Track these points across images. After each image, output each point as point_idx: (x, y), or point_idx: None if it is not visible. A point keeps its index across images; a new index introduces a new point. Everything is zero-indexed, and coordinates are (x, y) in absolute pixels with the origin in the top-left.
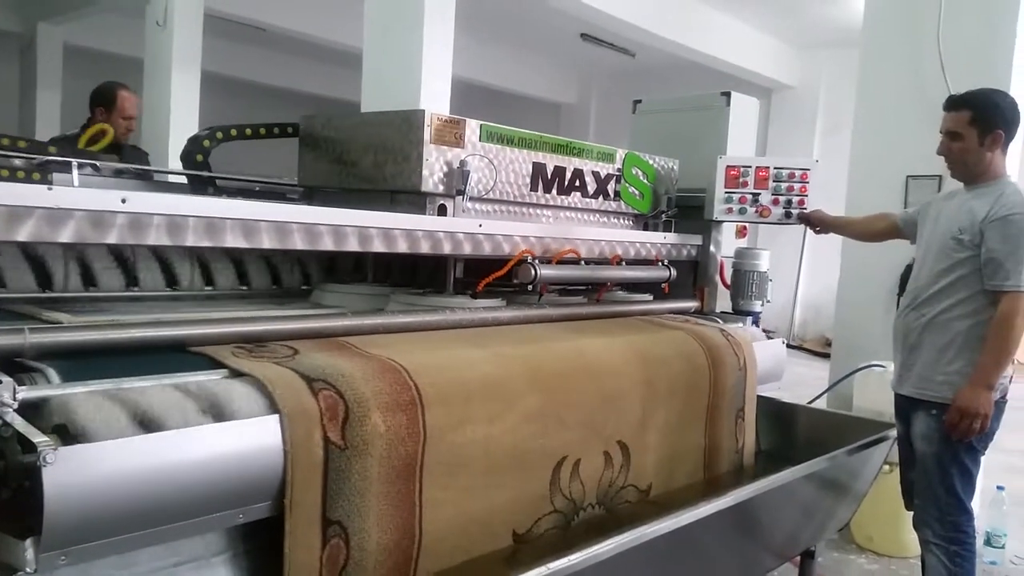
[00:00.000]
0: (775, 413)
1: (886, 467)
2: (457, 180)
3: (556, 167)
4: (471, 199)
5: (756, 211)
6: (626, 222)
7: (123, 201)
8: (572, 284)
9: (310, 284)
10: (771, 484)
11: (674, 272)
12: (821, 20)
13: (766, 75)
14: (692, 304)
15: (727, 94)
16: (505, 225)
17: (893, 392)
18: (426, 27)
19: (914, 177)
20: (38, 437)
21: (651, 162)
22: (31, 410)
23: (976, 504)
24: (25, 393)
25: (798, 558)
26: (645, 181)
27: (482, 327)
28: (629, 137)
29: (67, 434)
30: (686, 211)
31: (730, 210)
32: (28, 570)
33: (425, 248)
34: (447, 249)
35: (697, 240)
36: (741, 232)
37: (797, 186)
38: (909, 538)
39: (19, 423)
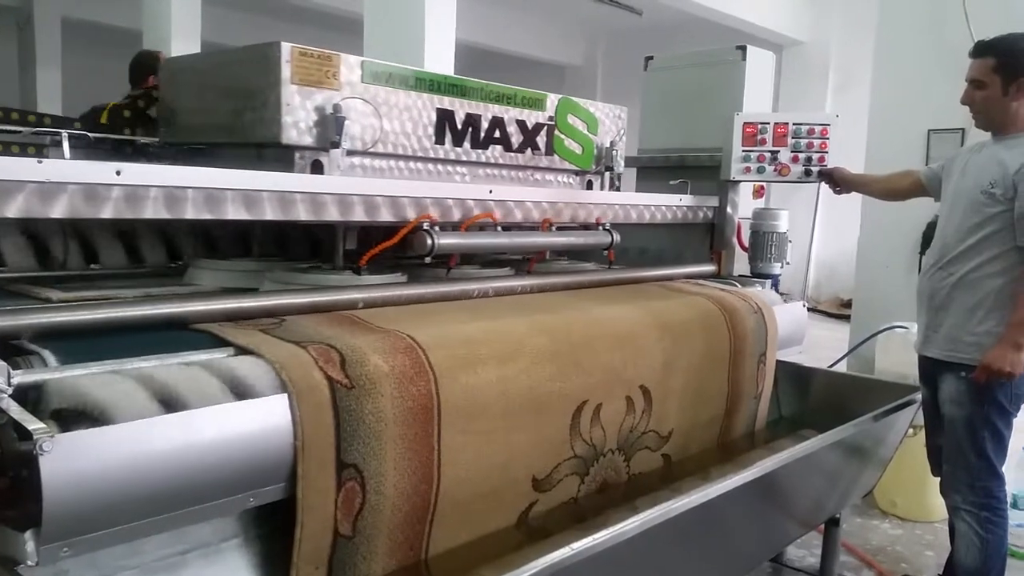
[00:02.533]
0: (796, 377)
1: (910, 431)
2: (331, 129)
3: (469, 115)
4: (352, 153)
5: (775, 169)
6: (564, 180)
7: (118, 173)
8: (492, 253)
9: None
10: (798, 453)
11: (617, 236)
12: None
13: (776, 31)
14: (709, 268)
15: (742, 48)
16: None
17: (917, 354)
18: None
19: (936, 131)
20: (34, 424)
21: (591, 109)
22: (27, 395)
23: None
24: (21, 377)
25: (822, 526)
26: (585, 131)
27: (477, 299)
28: (641, 95)
29: (66, 419)
30: (701, 171)
31: (748, 169)
32: (29, 563)
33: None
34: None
35: (713, 202)
36: (758, 192)
37: (817, 143)
38: (933, 503)
39: (14, 409)
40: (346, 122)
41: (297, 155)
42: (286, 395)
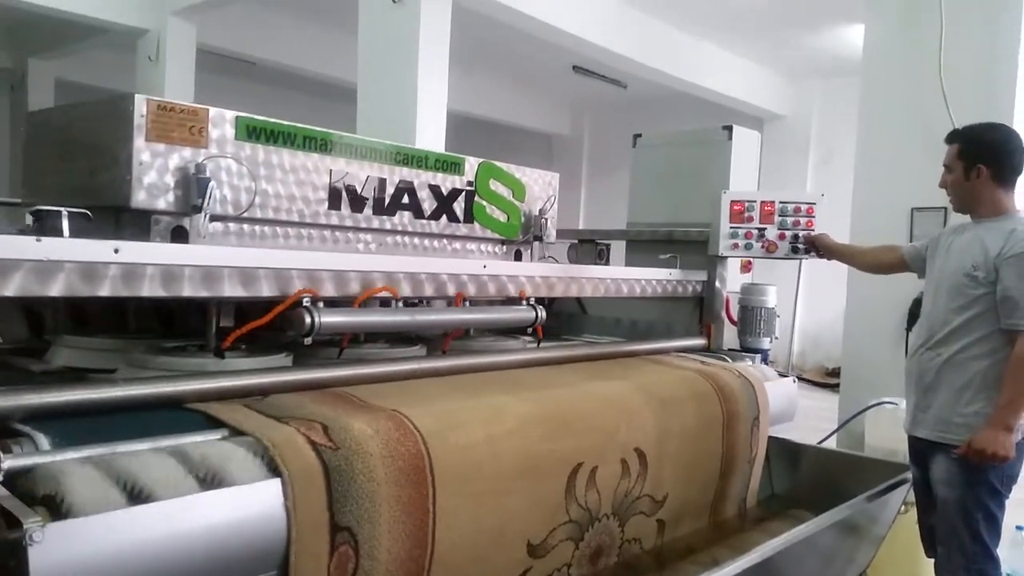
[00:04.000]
0: (787, 453)
1: (902, 508)
2: (192, 192)
3: (371, 179)
4: (219, 219)
5: (762, 246)
6: (487, 249)
7: (116, 251)
8: (391, 331)
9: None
10: (797, 536)
11: (542, 314)
12: (812, 50)
13: (758, 105)
14: (699, 342)
15: (728, 128)
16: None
17: (907, 434)
18: (421, 62)
19: (919, 209)
20: (24, 513)
21: (517, 174)
22: (17, 480)
23: None
24: (11, 461)
25: None
26: (511, 199)
27: (457, 374)
28: (630, 171)
29: (56, 506)
30: (690, 246)
31: (736, 245)
32: None
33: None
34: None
35: (702, 276)
36: (745, 267)
37: (803, 220)
38: None
39: (3, 495)
40: (211, 184)
41: (153, 220)
42: (279, 480)
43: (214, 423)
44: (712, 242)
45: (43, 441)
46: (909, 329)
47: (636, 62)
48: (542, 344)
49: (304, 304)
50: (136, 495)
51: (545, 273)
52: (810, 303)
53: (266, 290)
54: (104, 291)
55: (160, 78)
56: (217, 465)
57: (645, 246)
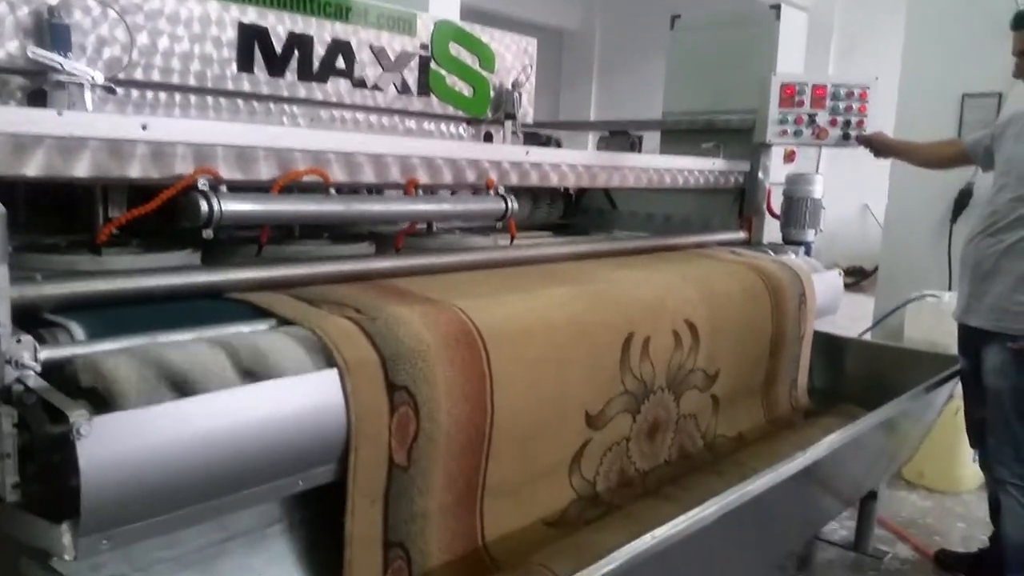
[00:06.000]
0: (830, 347)
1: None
2: (48, 43)
3: (293, 35)
4: (97, 83)
5: (812, 133)
6: (449, 129)
7: (144, 128)
8: (314, 223)
9: None
10: (853, 433)
11: (514, 204)
12: None
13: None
14: (740, 235)
15: (776, 7)
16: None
17: (957, 323)
18: None
19: (971, 96)
20: (69, 405)
21: (485, 39)
22: (55, 372)
23: None
24: (48, 352)
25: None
26: (476, 68)
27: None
28: (666, 56)
29: (98, 399)
30: (730, 135)
31: (784, 132)
32: (67, 557)
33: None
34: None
35: (744, 166)
36: (790, 157)
37: (856, 106)
38: (962, 473)
39: (45, 388)
40: (70, 34)
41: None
42: (335, 370)
43: (256, 312)
44: (759, 129)
45: (78, 331)
46: (954, 220)
47: None
48: (572, 238)
49: (199, 187)
50: (183, 387)
51: (582, 161)
52: (827, 198)
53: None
54: None
55: None
56: (262, 355)
57: (682, 136)
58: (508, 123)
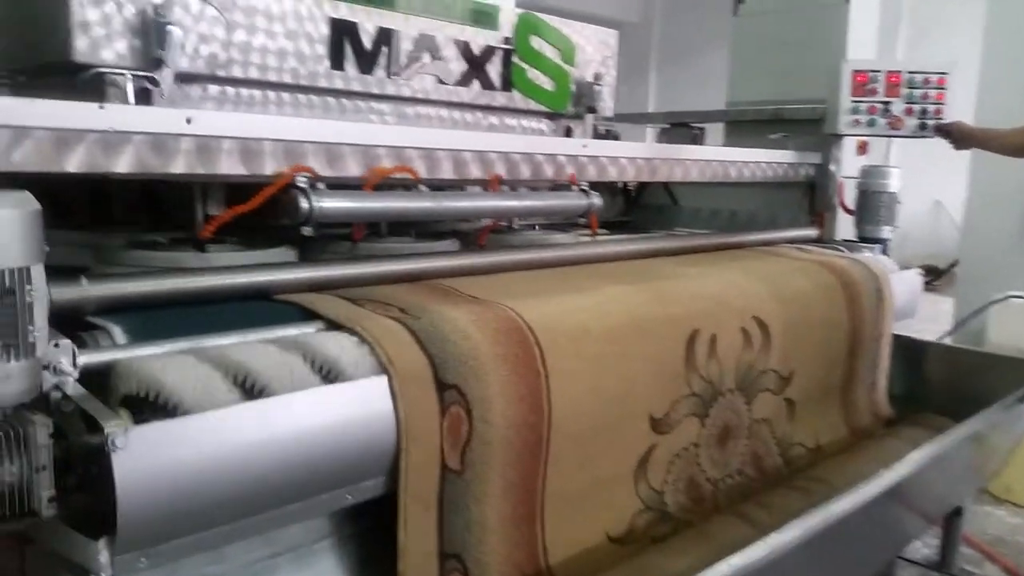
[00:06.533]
0: (908, 352)
1: None
2: (152, 42)
3: (382, 31)
4: (189, 79)
5: (887, 123)
6: (529, 124)
7: (188, 121)
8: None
9: None
10: (938, 449)
11: (597, 200)
12: None
13: None
14: (811, 232)
15: None
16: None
17: None
18: None
19: None
20: (106, 415)
21: (566, 30)
22: (95, 378)
23: None
24: (87, 357)
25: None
26: (558, 61)
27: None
28: (730, 42)
29: (140, 407)
30: (799, 126)
31: (857, 122)
32: (103, 575)
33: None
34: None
35: (815, 158)
36: (861, 148)
37: (933, 93)
38: None
39: (82, 396)
40: (173, 31)
41: (108, 80)
42: (383, 374)
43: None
44: (830, 119)
45: (118, 334)
46: None
47: None
48: (631, 236)
49: (298, 184)
50: (246, 387)
51: (641, 154)
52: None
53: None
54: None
55: None
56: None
57: (747, 128)
58: (589, 117)
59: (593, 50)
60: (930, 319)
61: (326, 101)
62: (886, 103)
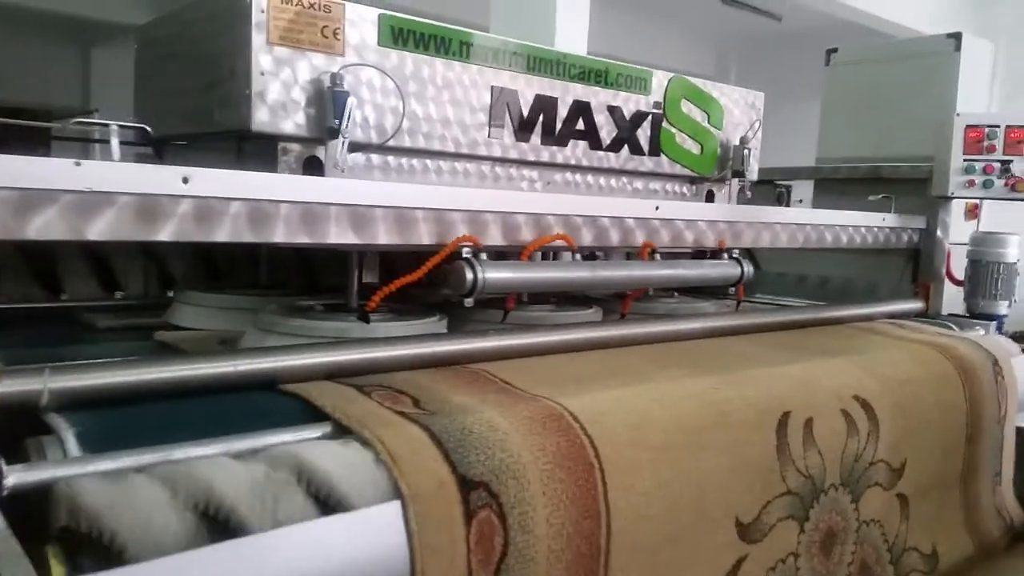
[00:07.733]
0: None
1: None
2: (327, 111)
3: (540, 97)
4: (360, 148)
5: (1006, 184)
6: (674, 189)
7: (184, 181)
8: (563, 291)
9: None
10: None
11: (749, 269)
12: None
13: (934, 34)
14: (916, 305)
15: (956, 36)
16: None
17: None
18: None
19: None
20: (15, 562)
21: (714, 93)
22: (34, 505)
23: None
24: (17, 476)
25: None
26: (705, 124)
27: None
28: (822, 95)
29: (80, 545)
30: (899, 185)
31: (971, 183)
32: None
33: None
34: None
35: (920, 223)
36: (972, 212)
37: None
38: None
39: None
40: (350, 101)
41: (280, 148)
42: (398, 502)
43: (306, 412)
44: (938, 179)
45: (71, 441)
46: None
47: None
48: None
49: (464, 256)
50: (210, 518)
51: (722, 216)
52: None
53: (424, 237)
54: (164, 235)
55: None
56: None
57: (840, 186)
58: (735, 181)
59: (740, 113)
60: None
61: (480, 168)
62: (1006, 162)
